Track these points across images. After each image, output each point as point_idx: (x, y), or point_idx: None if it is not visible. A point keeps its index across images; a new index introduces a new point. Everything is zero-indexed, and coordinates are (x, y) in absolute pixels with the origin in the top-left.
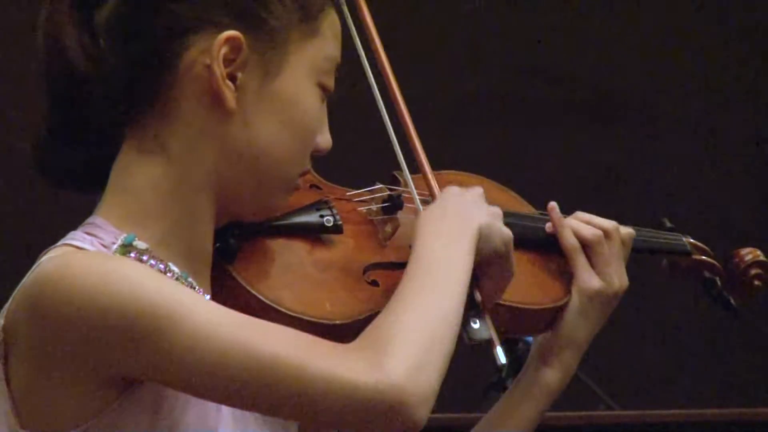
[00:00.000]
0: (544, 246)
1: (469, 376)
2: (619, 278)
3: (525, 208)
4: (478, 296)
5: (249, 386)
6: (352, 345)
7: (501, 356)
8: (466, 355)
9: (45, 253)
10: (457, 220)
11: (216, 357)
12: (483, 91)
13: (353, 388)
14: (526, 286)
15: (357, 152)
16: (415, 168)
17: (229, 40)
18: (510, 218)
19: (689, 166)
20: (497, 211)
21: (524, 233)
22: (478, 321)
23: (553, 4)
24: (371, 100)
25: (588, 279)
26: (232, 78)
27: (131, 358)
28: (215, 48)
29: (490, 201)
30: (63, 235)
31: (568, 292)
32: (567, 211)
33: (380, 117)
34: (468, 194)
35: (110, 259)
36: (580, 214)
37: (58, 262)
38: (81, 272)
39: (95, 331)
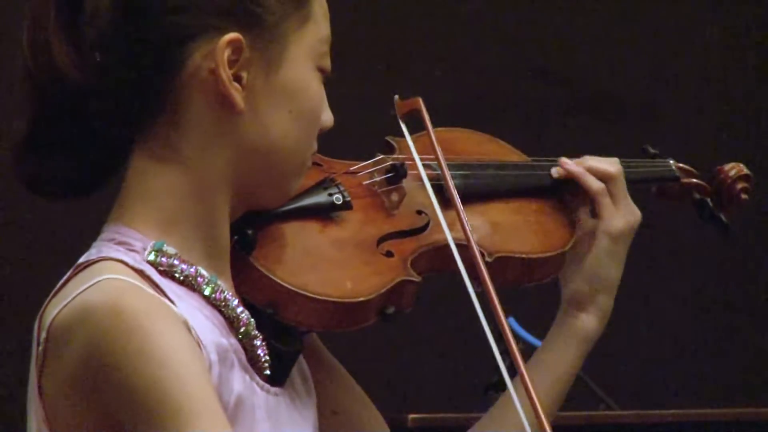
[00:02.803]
0: (545, 192)
1: (469, 376)
2: (632, 212)
3: (517, 156)
4: None
5: None
6: None
7: None
8: (466, 355)
9: (83, 268)
10: None
11: None
12: (483, 91)
13: None
14: (534, 235)
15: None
16: (400, 133)
17: (230, 43)
18: (509, 169)
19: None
20: None
21: (527, 181)
22: None
23: (553, 4)
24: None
25: (613, 219)
26: (238, 79)
27: (129, 422)
28: (218, 52)
29: (483, 153)
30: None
31: (573, 234)
32: None
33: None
34: None
35: (158, 319)
36: (585, 158)
37: (109, 298)
38: (129, 326)
39: (118, 386)
